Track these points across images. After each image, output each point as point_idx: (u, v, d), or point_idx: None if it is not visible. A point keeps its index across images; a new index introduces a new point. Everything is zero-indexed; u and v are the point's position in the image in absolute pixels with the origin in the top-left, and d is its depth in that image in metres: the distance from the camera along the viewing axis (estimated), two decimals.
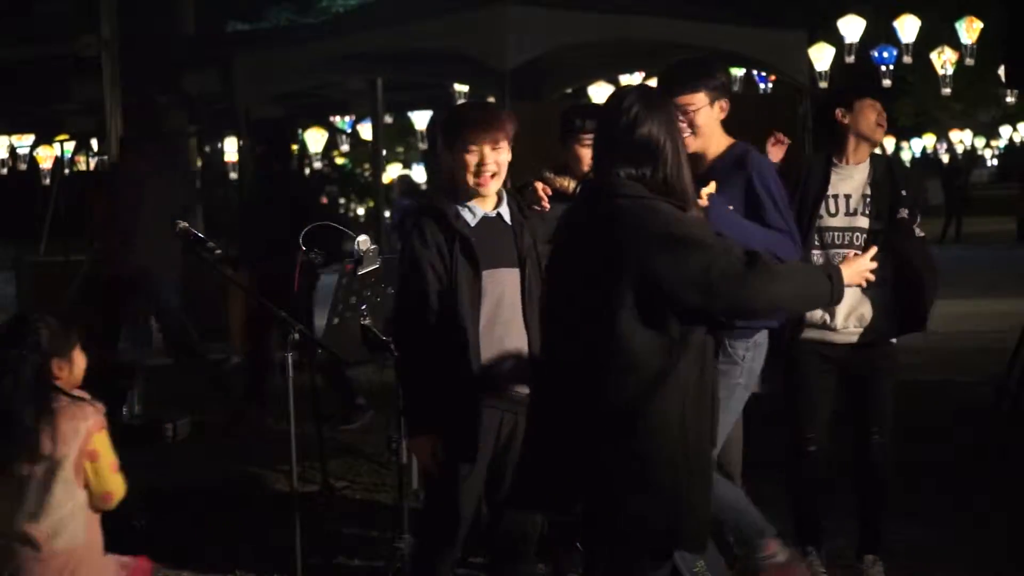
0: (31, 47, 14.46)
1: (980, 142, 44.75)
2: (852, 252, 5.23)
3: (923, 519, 6.48)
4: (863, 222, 5.43)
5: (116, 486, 4.22)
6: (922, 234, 5.54)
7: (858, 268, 4.19)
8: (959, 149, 43.78)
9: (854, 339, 5.40)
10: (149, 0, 18.66)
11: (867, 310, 5.37)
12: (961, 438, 8.27)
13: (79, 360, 4.22)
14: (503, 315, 4.45)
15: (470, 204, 4.48)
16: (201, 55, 16.32)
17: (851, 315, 5.37)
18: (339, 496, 7.24)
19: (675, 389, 3.77)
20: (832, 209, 5.44)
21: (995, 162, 47.64)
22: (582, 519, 3.95)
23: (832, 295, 3.98)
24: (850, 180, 5.48)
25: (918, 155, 44.24)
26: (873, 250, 4.31)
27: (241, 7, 27.62)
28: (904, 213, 5.42)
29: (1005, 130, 41.23)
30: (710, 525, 3.98)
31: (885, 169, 5.53)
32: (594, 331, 3.80)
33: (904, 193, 5.46)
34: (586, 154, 4.97)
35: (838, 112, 5.51)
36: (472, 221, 4.47)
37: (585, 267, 3.87)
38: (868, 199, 5.44)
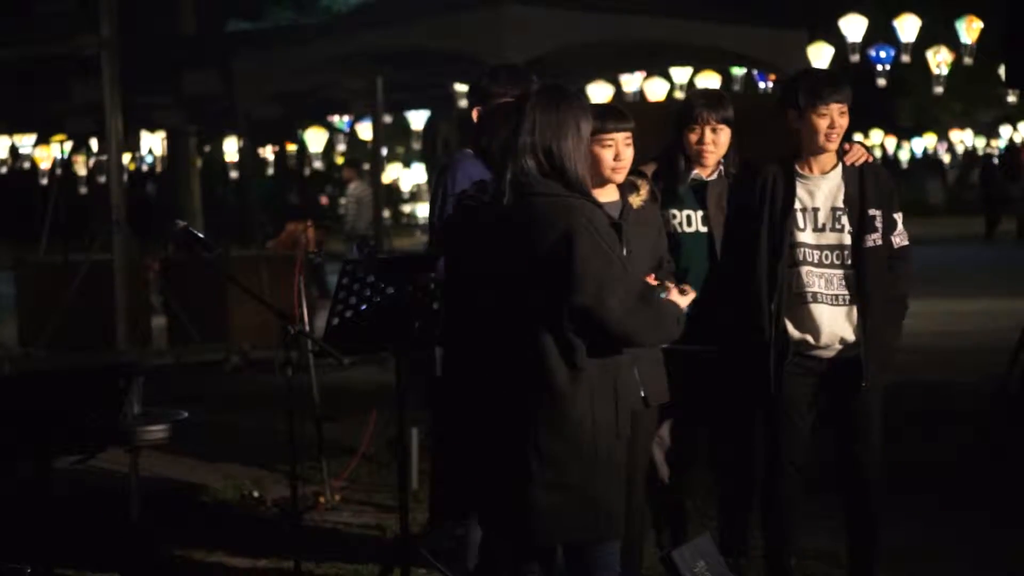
0: (31, 47, 14.44)
1: (980, 142, 44.72)
2: (828, 272, 5.06)
3: (923, 519, 6.48)
4: (833, 238, 5.08)
5: None
6: (907, 243, 5.22)
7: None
8: (959, 149, 43.78)
9: (834, 354, 5.13)
10: (149, 0, 18.67)
11: (847, 332, 5.09)
12: (961, 438, 8.26)
13: None
14: None
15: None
16: (201, 55, 16.34)
17: (832, 335, 5.10)
18: (339, 496, 7.24)
19: (584, 386, 3.95)
20: (801, 224, 5.08)
21: (996, 162, 47.58)
22: (488, 518, 4.16)
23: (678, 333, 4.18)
24: (818, 192, 5.08)
25: (919, 155, 44.23)
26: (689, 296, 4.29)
27: (241, 7, 27.64)
28: (873, 240, 5.05)
29: (1005, 130, 41.19)
30: (618, 515, 4.10)
31: (857, 183, 5.07)
32: (506, 325, 3.97)
33: (874, 212, 5.06)
34: (605, 155, 4.81)
35: (789, 114, 5.06)
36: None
37: (497, 261, 4.00)
38: (839, 214, 5.07)
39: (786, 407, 5.16)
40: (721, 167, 5.36)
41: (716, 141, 5.29)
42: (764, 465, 5.30)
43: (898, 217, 5.18)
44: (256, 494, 7.26)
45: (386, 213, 17.90)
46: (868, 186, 5.07)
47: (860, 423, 5.19)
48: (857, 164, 5.11)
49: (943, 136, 42.15)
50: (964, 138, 42.70)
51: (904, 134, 42.23)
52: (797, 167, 5.11)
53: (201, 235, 5.68)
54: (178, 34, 19.70)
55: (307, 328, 7.06)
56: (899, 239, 5.20)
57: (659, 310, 4.10)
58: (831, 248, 5.10)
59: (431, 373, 5.12)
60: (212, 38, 20.48)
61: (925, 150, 43.61)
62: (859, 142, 5.31)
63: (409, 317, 5.18)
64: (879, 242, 5.09)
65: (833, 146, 5.05)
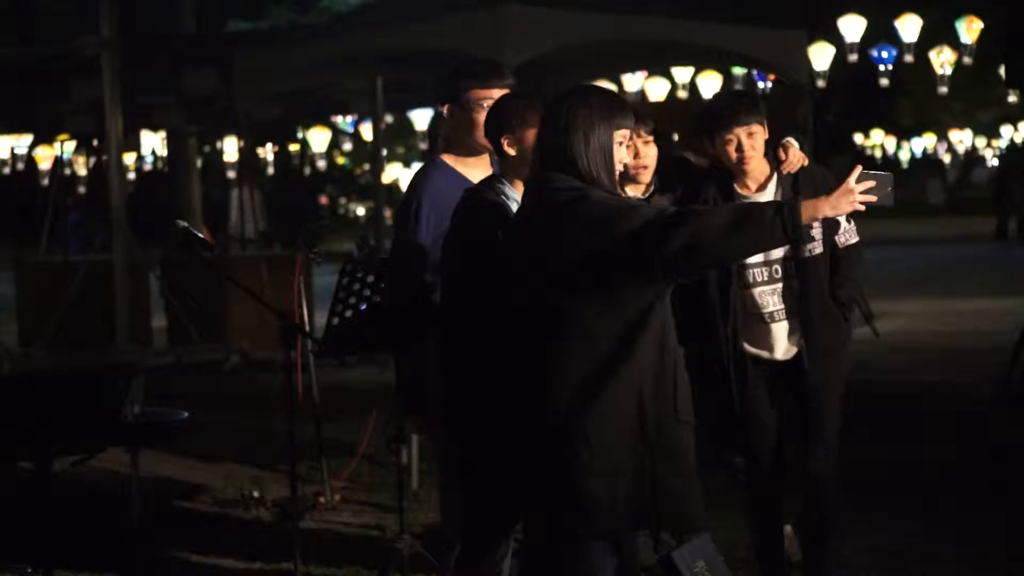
0: (31, 47, 14.47)
1: (980, 142, 44.74)
2: (779, 287, 5.00)
3: (923, 519, 6.48)
4: (777, 252, 4.93)
5: None
6: (854, 240, 5.12)
7: (840, 197, 3.87)
8: (959, 149, 43.79)
9: (788, 358, 5.09)
10: (149, 0, 18.66)
11: (800, 345, 5.06)
12: (961, 438, 8.26)
13: None
14: None
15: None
16: (201, 55, 16.32)
17: (789, 350, 5.07)
18: (339, 496, 7.24)
19: (632, 371, 3.85)
20: None
21: (996, 162, 47.66)
22: (532, 506, 4.04)
23: (785, 227, 3.75)
24: None
25: (919, 155, 44.26)
26: (858, 170, 3.89)
27: (241, 7, 27.64)
28: (810, 250, 4.96)
29: (1006, 130, 41.21)
30: (689, 504, 4.01)
31: (791, 192, 4.94)
32: (549, 319, 3.89)
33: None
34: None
35: (704, 141, 5.01)
36: None
37: (530, 259, 3.94)
38: None
39: (752, 413, 5.14)
40: (655, 181, 5.29)
41: (648, 155, 5.23)
42: (743, 471, 5.30)
43: (841, 216, 4.91)
44: (256, 494, 7.26)
45: (386, 213, 17.88)
46: (803, 193, 4.87)
47: (814, 425, 5.13)
48: (792, 172, 5.03)
49: (943, 136, 42.15)
50: (964, 138, 42.71)
51: (904, 134, 42.24)
52: (736, 186, 5.04)
53: (201, 235, 5.68)
54: (178, 34, 19.70)
55: (307, 328, 7.06)
56: (844, 238, 5.10)
57: (718, 213, 3.87)
58: (773, 262, 5.01)
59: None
60: (212, 38, 20.48)
61: (925, 150, 43.61)
62: (792, 141, 5.13)
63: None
64: (817, 251, 5.00)
65: (750, 166, 4.97)
